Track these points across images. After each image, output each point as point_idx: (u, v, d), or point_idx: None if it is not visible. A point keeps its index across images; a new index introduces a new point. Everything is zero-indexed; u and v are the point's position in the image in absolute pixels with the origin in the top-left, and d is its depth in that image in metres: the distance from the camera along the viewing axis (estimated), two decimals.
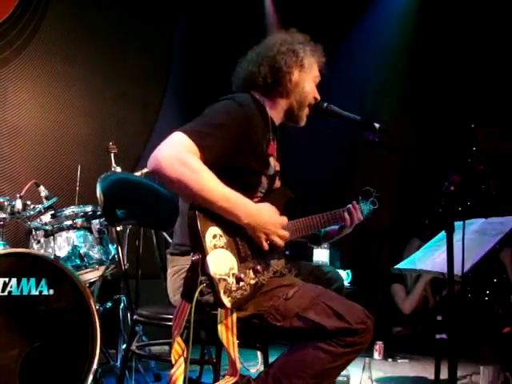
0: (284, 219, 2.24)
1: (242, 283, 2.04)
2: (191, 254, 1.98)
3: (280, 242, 2.18)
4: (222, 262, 2.02)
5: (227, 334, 2.04)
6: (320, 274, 2.49)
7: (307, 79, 2.44)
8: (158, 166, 1.98)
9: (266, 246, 2.15)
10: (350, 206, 2.55)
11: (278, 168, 2.44)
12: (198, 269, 1.96)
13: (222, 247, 2.06)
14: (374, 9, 6.81)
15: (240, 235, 2.13)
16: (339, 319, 2.07)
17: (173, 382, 1.98)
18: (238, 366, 2.05)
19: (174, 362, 2.01)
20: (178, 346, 2.02)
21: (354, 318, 2.08)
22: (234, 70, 2.50)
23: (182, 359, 2.00)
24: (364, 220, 2.63)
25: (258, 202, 2.27)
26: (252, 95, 2.39)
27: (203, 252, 1.98)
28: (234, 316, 2.06)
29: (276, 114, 2.45)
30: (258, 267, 2.11)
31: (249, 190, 2.24)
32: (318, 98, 2.49)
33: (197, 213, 2.02)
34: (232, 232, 2.11)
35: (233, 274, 2.03)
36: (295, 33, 2.49)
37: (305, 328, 2.11)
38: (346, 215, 2.52)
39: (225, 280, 1.99)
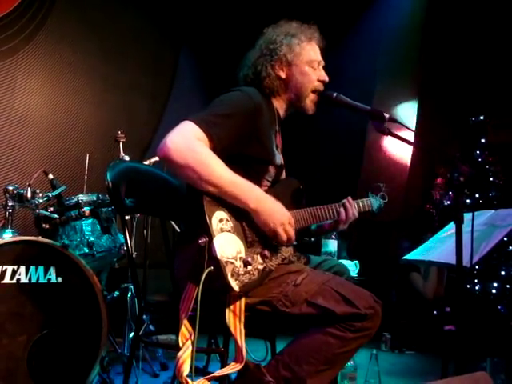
0: (291, 217, 2.21)
1: (249, 267, 2.05)
2: (198, 237, 1.99)
3: (283, 236, 2.14)
4: (228, 245, 2.03)
5: (235, 322, 2.05)
6: (327, 268, 2.48)
7: (299, 70, 2.43)
8: (167, 153, 2.00)
9: (271, 233, 2.14)
10: (345, 200, 2.50)
11: (282, 161, 2.44)
12: (205, 252, 1.97)
13: (229, 231, 2.07)
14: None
15: (247, 220, 2.13)
16: (348, 304, 2.08)
17: (180, 365, 1.99)
18: (244, 353, 2.05)
19: (181, 344, 2.02)
20: (186, 329, 2.04)
21: (362, 303, 2.09)
22: (240, 59, 2.51)
23: (189, 342, 2.02)
24: (375, 214, 2.63)
25: (265, 191, 2.25)
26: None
27: (210, 235, 1.99)
28: (243, 303, 2.06)
29: (280, 106, 2.47)
30: (266, 252, 2.12)
31: (256, 178, 2.24)
32: (326, 79, 2.47)
33: (203, 197, 2.04)
34: (239, 217, 2.12)
35: (240, 258, 2.04)
36: (282, 25, 2.48)
37: (314, 314, 2.11)
38: (342, 210, 2.47)
39: (232, 263, 2.00)
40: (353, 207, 2.50)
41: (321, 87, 2.46)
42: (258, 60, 2.42)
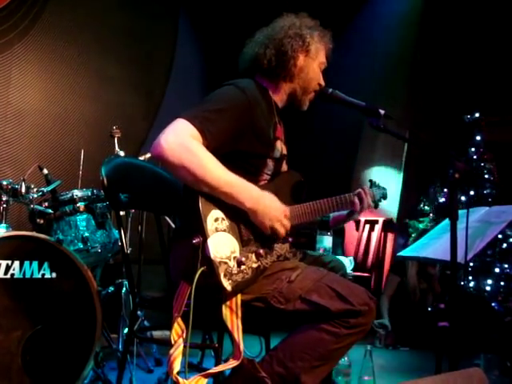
0: (287, 209, 2.22)
1: (243, 267, 2.05)
2: (193, 236, 1.99)
3: (281, 231, 2.16)
4: (223, 245, 2.03)
5: (231, 317, 2.05)
6: (323, 264, 2.48)
7: (312, 65, 2.44)
8: (161, 152, 1.99)
9: (268, 230, 2.14)
10: (360, 190, 2.46)
11: (284, 151, 2.43)
12: (199, 251, 1.97)
13: (224, 230, 2.06)
14: None
15: (243, 219, 2.12)
16: (342, 301, 2.08)
17: (171, 362, 1.99)
18: (242, 349, 2.05)
19: (173, 342, 2.02)
20: (178, 326, 2.04)
21: (356, 300, 2.09)
22: (241, 51, 2.49)
23: (181, 340, 2.02)
24: (376, 204, 2.60)
25: (265, 184, 2.27)
26: (255, 80, 2.39)
27: (204, 235, 1.99)
28: (239, 299, 2.07)
29: (279, 97, 2.45)
30: (261, 251, 2.12)
31: (254, 173, 2.25)
32: (323, 84, 2.48)
33: (199, 196, 2.03)
34: (234, 215, 2.11)
35: (234, 258, 2.04)
36: (305, 17, 2.48)
37: (308, 310, 2.11)
38: (356, 200, 2.44)
39: (225, 263, 2.00)
40: (368, 197, 2.46)
41: (317, 89, 2.47)
42: (284, 39, 2.37)
